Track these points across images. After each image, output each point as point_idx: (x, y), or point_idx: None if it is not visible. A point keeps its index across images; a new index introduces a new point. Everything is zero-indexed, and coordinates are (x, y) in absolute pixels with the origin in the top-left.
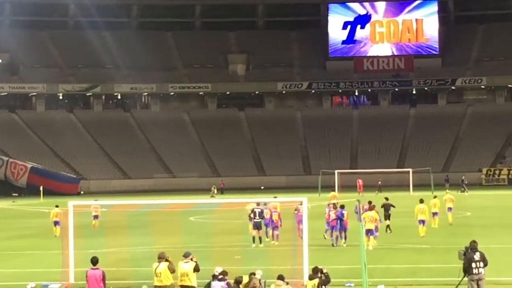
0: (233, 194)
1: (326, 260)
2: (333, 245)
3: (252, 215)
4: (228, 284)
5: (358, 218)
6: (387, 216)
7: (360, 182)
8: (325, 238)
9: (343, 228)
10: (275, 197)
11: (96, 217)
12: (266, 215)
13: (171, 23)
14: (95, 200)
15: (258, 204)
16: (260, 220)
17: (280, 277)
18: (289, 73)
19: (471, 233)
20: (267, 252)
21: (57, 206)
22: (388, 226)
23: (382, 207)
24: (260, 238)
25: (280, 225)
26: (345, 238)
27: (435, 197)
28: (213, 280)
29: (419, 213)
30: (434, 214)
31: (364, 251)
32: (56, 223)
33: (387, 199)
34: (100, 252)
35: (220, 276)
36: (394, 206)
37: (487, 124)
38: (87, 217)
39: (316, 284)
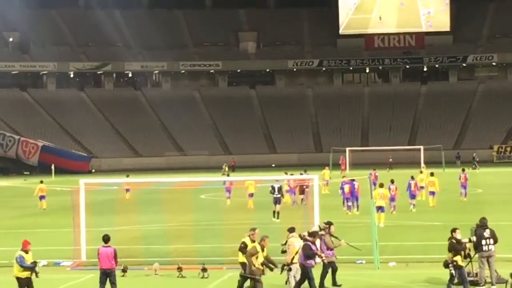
0: (244, 172)
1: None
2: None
3: (271, 191)
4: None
5: (371, 184)
6: (302, 191)
7: (344, 161)
8: None
9: (355, 198)
10: (291, 174)
11: (128, 190)
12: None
13: (181, 1)
14: (127, 176)
15: (277, 180)
16: (279, 195)
17: (291, 229)
18: (299, 51)
19: (482, 210)
20: (279, 229)
21: (41, 182)
22: (302, 199)
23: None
24: (278, 213)
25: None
26: (358, 207)
27: (432, 174)
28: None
29: (430, 186)
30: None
31: (375, 228)
32: (41, 197)
33: (305, 171)
34: (112, 230)
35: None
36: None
37: (498, 101)
38: (99, 195)
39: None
